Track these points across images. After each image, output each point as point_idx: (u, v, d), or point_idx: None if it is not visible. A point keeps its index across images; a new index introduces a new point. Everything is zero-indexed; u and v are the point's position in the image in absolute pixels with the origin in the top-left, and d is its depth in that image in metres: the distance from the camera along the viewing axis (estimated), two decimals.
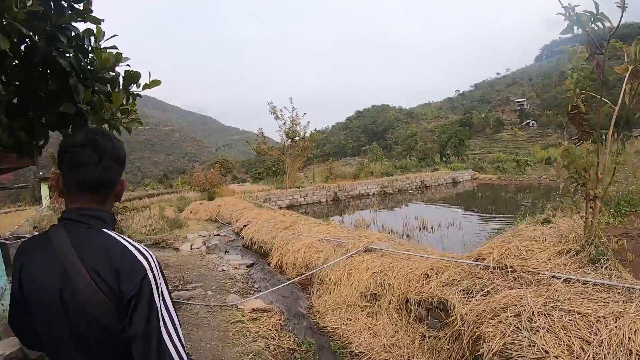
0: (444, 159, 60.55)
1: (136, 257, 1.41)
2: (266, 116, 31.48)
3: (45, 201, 31.00)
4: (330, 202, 28.53)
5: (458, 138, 62.41)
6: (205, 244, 12.74)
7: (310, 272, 7.94)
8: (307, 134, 31.04)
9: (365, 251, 7.60)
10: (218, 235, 15.12)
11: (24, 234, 15.90)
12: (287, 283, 7.93)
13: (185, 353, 1.44)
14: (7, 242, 14.55)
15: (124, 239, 1.47)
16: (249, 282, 8.81)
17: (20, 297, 1.46)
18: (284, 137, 30.56)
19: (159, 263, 1.49)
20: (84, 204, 1.50)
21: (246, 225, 15.07)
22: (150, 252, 1.49)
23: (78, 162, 1.46)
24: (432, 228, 15.26)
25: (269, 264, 10.33)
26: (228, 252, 12.58)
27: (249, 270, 10.01)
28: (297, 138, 30.53)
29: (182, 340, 1.45)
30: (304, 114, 30.84)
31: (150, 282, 1.39)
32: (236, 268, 10.02)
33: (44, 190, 32.02)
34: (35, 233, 15.94)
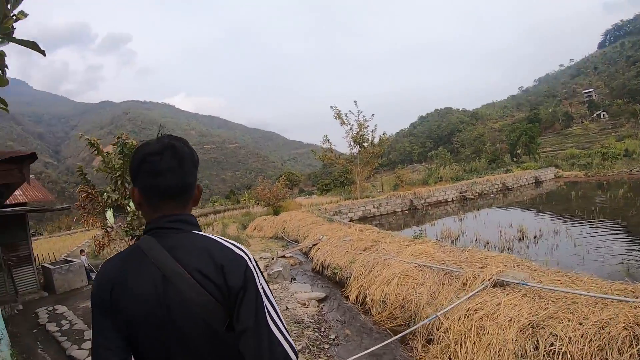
0: (514, 159, 56.52)
1: (235, 251, 1.40)
2: (330, 127, 29.45)
3: (111, 219, 29.75)
4: (406, 211, 25.96)
5: (528, 136, 57.69)
6: (267, 270, 10.55)
7: (416, 326, 5.36)
8: (376, 139, 28.67)
9: (494, 286, 5.10)
10: (283, 257, 12.95)
11: (74, 257, 15.12)
12: (389, 341, 5.20)
13: (290, 338, 1.40)
14: (51, 266, 13.17)
15: (217, 237, 1.45)
16: (322, 330, 6.46)
17: (113, 324, 1.36)
18: (352, 144, 28.23)
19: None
20: (169, 211, 1.45)
21: (315, 243, 12.82)
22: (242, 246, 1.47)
23: (159, 170, 1.41)
24: (534, 237, 12.76)
25: (346, 298, 8.02)
26: (294, 279, 10.34)
27: (321, 308, 7.70)
28: (365, 144, 28.15)
29: (286, 325, 1.40)
30: (372, 115, 28.34)
31: (252, 273, 1.37)
32: (304, 304, 7.76)
33: (109, 209, 30.70)
34: (83, 256, 15.10)
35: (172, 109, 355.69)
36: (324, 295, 8.41)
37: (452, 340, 4.60)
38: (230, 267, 1.34)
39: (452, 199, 28.15)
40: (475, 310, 4.73)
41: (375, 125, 28.47)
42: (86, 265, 14.31)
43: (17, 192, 13.65)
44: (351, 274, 8.50)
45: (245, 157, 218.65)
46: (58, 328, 8.40)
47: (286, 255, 13.32)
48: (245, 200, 50.51)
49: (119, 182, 8.43)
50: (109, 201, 8.38)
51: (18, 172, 4.26)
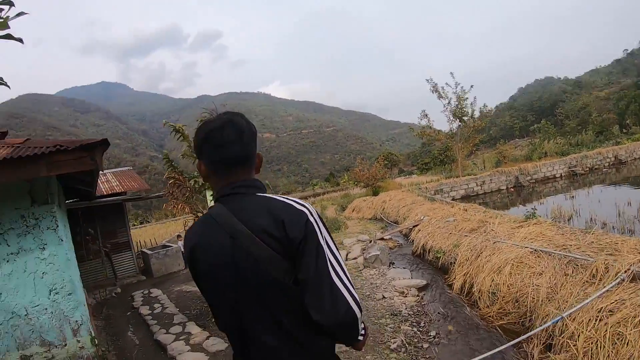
0: (624, 130, 50.27)
1: (295, 206, 1.45)
2: (428, 104, 28.11)
3: (209, 199, 31.76)
4: (512, 188, 24.13)
5: (638, 103, 51.90)
6: (363, 254, 10.01)
7: (535, 330, 4.49)
8: (476, 112, 27.00)
9: (633, 280, 4.15)
10: (381, 239, 12.35)
11: (173, 243, 15.95)
12: (503, 347, 4.37)
13: (355, 293, 1.45)
14: (149, 251, 13.94)
15: (279, 196, 1.54)
16: (422, 324, 5.81)
17: (195, 276, 1.59)
18: (451, 118, 26.67)
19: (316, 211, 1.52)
20: (234, 179, 1.55)
21: (416, 225, 12.11)
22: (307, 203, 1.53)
23: (222, 143, 1.52)
24: None
25: (450, 287, 7.30)
26: (393, 264, 9.75)
27: (421, 298, 7.06)
28: (465, 117, 26.59)
29: (351, 280, 1.47)
30: (471, 86, 26.54)
31: (313, 225, 1.41)
32: (403, 293, 7.18)
33: (209, 195, 31.77)
34: (179, 241, 15.44)
35: (268, 97, 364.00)
36: (424, 282, 7.74)
37: (579, 350, 3.72)
38: (291, 221, 1.39)
39: (561, 175, 25.68)
40: (611, 311, 3.83)
41: (475, 97, 26.71)
42: (183, 249, 14.66)
43: (115, 183, 14.68)
44: (455, 260, 7.74)
45: (343, 140, 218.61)
46: (150, 311, 8.73)
47: (385, 237, 12.75)
48: (344, 182, 50.58)
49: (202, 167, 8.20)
50: (196, 186, 8.15)
51: (90, 159, 4.30)
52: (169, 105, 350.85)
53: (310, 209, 1.47)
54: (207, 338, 6.42)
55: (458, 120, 26.52)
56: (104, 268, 13.10)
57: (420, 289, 7.48)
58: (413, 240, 11.26)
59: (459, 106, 26.18)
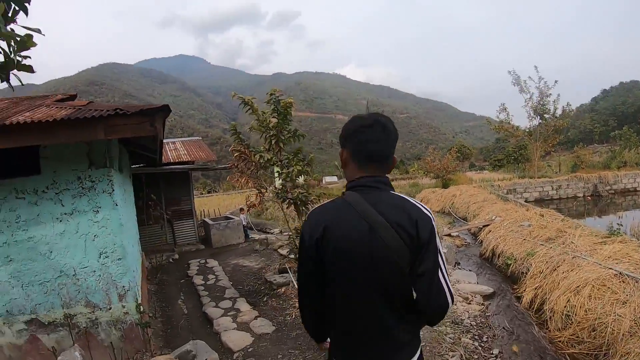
0: None
1: (423, 210, 1.70)
2: (505, 99, 26.71)
3: (277, 181, 32.02)
4: (589, 197, 22.40)
5: None
6: None
7: None
8: (559, 110, 25.44)
9: None
10: (449, 235, 11.85)
11: (234, 215, 16.16)
12: None
13: (452, 287, 1.79)
14: (210, 221, 14.17)
15: (408, 197, 1.77)
16: (484, 339, 5.35)
17: (320, 254, 1.75)
18: (531, 114, 25.31)
19: None
20: (372, 173, 1.79)
21: (487, 224, 11.51)
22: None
23: (369, 139, 1.77)
24: None
25: (518, 299, 6.79)
26: (458, 264, 9.26)
27: (486, 307, 6.56)
28: (547, 115, 25.16)
29: (450, 279, 2.04)
30: (555, 82, 24.99)
31: (434, 229, 1.68)
32: (467, 300, 6.75)
33: (275, 170, 32.80)
34: (242, 214, 15.70)
35: (343, 79, 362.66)
36: (491, 290, 7.23)
37: None
38: (422, 222, 1.65)
39: None
40: None
41: (558, 95, 25.23)
42: (245, 223, 15.11)
43: (182, 152, 15.00)
44: (528, 270, 7.19)
45: (415, 128, 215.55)
46: (203, 282, 8.83)
47: (452, 234, 12.29)
48: (414, 170, 49.72)
49: (273, 142, 7.99)
50: (262, 161, 8.04)
51: (149, 125, 4.24)
52: (244, 80, 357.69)
53: (432, 215, 1.71)
54: (255, 318, 6.37)
55: (539, 117, 25.18)
56: (164, 233, 13.47)
57: (486, 297, 7.00)
58: (482, 242, 10.67)
59: (541, 102, 24.84)
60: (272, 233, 16.64)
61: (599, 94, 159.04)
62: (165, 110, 4.34)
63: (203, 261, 10.88)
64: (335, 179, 49.64)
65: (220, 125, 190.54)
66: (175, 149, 15.23)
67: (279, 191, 8.21)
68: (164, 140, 17.15)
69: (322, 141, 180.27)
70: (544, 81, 24.74)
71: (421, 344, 1.86)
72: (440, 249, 1.69)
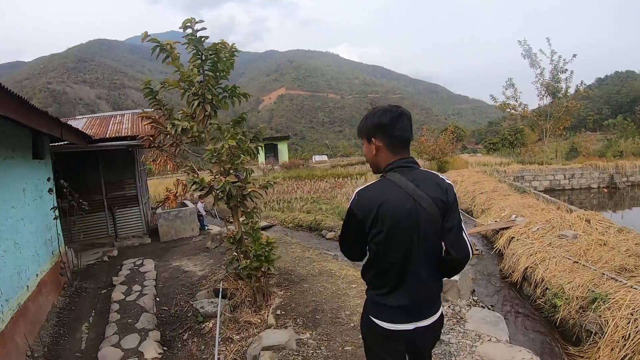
0: None
1: (447, 180, 2.15)
2: (500, 84, 23.90)
3: (262, 159, 35.63)
4: (604, 189, 19.52)
5: None
6: None
7: None
8: (571, 89, 22.57)
9: None
10: None
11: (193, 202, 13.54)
12: None
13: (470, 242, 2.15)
14: (159, 210, 11.57)
15: (434, 172, 2.22)
16: None
17: (375, 227, 2.07)
18: (542, 92, 22.45)
19: None
20: (405, 155, 2.16)
21: (506, 227, 8.59)
22: None
23: (403, 128, 2.14)
24: None
25: None
26: (473, 293, 6.21)
27: None
28: (559, 94, 22.31)
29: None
30: (574, 56, 21.85)
31: (455, 194, 2.15)
32: None
33: (261, 149, 33.95)
34: (200, 202, 12.27)
35: (336, 57, 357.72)
36: (529, 357, 4.15)
37: None
38: (450, 190, 2.10)
39: None
40: None
41: (572, 72, 22.34)
42: (202, 212, 12.66)
43: (126, 125, 12.27)
44: (600, 329, 4.26)
45: (408, 108, 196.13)
46: (123, 297, 6.74)
47: None
48: None
49: (195, 105, 5.34)
50: (176, 132, 5.29)
51: None
52: (236, 57, 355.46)
53: (452, 183, 2.18)
54: None
55: (551, 96, 22.29)
56: (106, 224, 11.04)
57: None
58: (500, 252, 7.85)
59: (555, 79, 21.92)
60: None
61: (593, 82, 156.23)
62: None
63: (140, 262, 8.66)
64: (325, 157, 47.34)
65: None
66: (119, 122, 12.19)
67: (194, 179, 5.21)
68: (112, 113, 14.32)
69: (313, 120, 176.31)
70: (557, 55, 21.84)
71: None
72: (460, 211, 2.17)
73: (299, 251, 8.66)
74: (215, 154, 5.16)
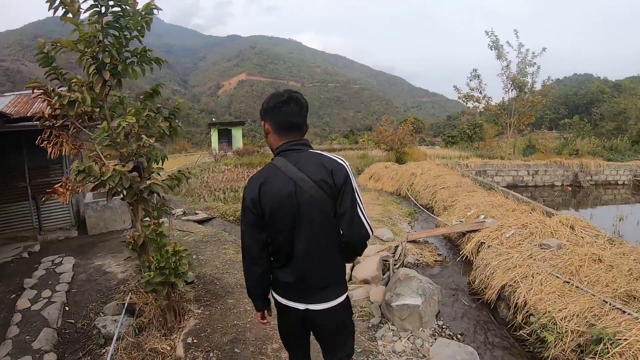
0: None
1: (338, 161, 2.13)
2: (459, 80, 23.28)
3: (215, 144, 36.53)
4: (568, 187, 19.06)
5: None
6: (383, 276, 5.48)
7: None
8: (537, 85, 22.09)
9: None
10: (413, 241, 7.74)
11: None
12: None
13: (369, 220, 2.18)
14: (87, 199, 10.33)
15: (324, 152, 2.19)
16: None
17: (259, 210, 2.13)
18: (508, 86, 21.87)
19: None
20: (291, 139, 2.19)
21: (474, 230, 7.55)
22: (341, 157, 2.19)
23: (288, 113, 2.17)
24: None
25: None
26: (439, 317, 5.08)
27: None
28: (526, 89, 21.79)
29: (366, 212, 2.18)
30: (544, 49, 21.71)
31: (349, 175, 2.11)
32: None
33: (214, 134, 38.45)
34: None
35: (299, 45, 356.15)
36: None
37: None
38: (337, 171, 2.06)
39: (624, 182, 20.31)
40: None
41: (539, 67, 21.88)
42: None
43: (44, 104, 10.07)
44: None
45: (368, 99, 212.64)
46: (29, 305, 5.63)
47: (418, 239, 8.17)
48: (363, 141, 46.28)
49: (91, 70, 4.07)
50: (63, 104, 4.02)
51: None
52: (198, 41, 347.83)
53: (346, 163, 2.15)
54: None
55: (518, 90, 21.66)
56: (30, 215, 9.76)
57: None
58: (468, 259, 6.83)
59: (522, 72, 21.30)
60: (172, 214, 12.44)
61: (552, 82, 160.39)
62: None
63: (59, 260, 7.49)
64: None
65: (170, 87, 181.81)
66: (29, 102, 10.64)
67: (78, 167, 3.86)
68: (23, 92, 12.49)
69: None
70: (525, 48, 21.25)
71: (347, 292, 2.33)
72: (356, 189, 2.12)
73: (232, 252, 7.41)
74: (107, 134, 3.85)
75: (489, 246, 6.47)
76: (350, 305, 2.41)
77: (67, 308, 5.59)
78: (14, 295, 6.10)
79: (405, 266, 6.53)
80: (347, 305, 2.35)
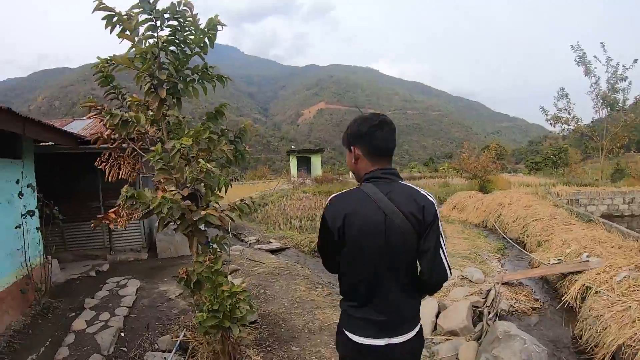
0: None
1: (428, 197, 2.01)
2: (543, 103, 21.76)
3: (293, 171, 35.57)
4: None
5: None
6: (474, 326, 4.78)
7: None
8: (629, 101, 20.38)
9: None
10: (506, 284, 6.89)
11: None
12: None
13: (449, 262, 2.06)
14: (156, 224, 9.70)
15: (415, 186, 2.09)
16: None
17: (341, 237, 2.02)
18: (598, 104, 20.39)
19: None
20: (383, 166, 2.09)
21: (578, 271, 6.64)
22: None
23: (382, 137, 2.08)
24: None
25: None
26: None
27: None
28: (617, 106, 20.20)
29: (448, 257, 2.05)
30: (635, 61, 19.89)
31: (437, 214, 1.99)
32: None
33: (292, 161, 37.87)
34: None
35: (376, 73, 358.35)
36: None
37: None
38: (428, 208, 1.95)
39: None
40: None
41: (630, 83, 20.09)
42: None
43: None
44: None
45: (447, 126, 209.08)
46: (84, 327, 5.54)
47: (512, 281, 7.34)
48: (443, 169, 46.64)
49: (146, 88, 3.96)
50: (117, 123, 3.92)
51: None
52: (278, 71, 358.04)
53: (434, 200, 2.04)
54: None
55: (609, 108, 20.04)
56: (102, 234, 10.00)
57: None
58: (572, 307, 5.96)
59: (613, 88, 19.73)
60: (245, 241, 12.40)
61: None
62: None
63: (124, 282, 7.56)
64: None
65: (251, 115, 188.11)
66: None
67: (127, 192, 3.50)
68: None
69: None
70: (615, 62, 19.68)
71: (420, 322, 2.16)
72: (441, 231, 2.01)
73: (303, 289, 6.94)
74: (160, 156, 3.48)
75: (596, 292, 5.61)
76: (423, 334, 2.26)
77: (122, 334, 5.43)
78: (73, 314, 6.06)
79: (499, 315, 5.74)
80: (421, 335, 2.22)
